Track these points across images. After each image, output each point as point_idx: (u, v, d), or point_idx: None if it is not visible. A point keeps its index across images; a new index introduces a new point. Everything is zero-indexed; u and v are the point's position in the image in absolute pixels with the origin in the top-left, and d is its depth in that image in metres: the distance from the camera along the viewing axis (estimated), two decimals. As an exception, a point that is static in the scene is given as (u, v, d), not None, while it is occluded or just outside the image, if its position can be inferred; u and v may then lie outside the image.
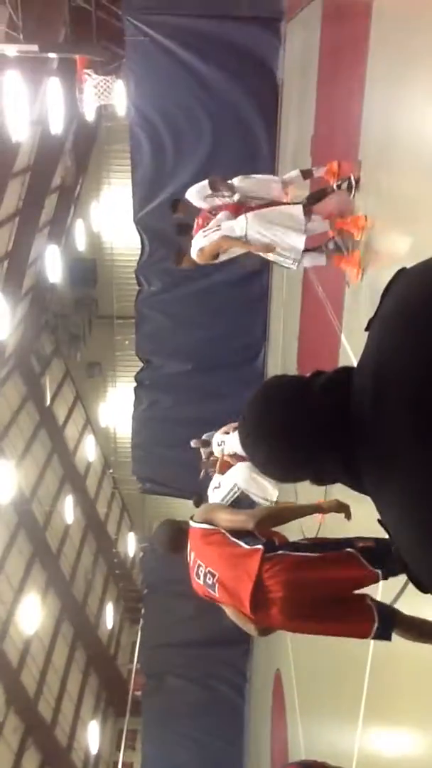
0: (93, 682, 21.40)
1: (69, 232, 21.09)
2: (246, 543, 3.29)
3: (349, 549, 3.22)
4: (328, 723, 6.84)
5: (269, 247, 6.06)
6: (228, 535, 3.34)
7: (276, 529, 3.47)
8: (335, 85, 7.14)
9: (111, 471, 24.80)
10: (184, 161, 11.55)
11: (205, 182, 7.24)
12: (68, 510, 20.76)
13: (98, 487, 24.11)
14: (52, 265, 19.00)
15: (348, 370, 1.16)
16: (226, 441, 9.02)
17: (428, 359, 0.95)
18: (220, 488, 8.48)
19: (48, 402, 20.99)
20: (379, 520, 1.10)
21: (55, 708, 17.79)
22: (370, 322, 1.13)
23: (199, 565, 3.40)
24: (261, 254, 6.27)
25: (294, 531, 3.63)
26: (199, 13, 10.67)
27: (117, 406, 22.89)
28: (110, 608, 23.08)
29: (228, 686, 14.20)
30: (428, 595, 1.07)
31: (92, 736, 19.70)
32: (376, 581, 3.14)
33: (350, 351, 5.73)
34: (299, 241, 5.94)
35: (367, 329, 1.13)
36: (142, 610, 15.31)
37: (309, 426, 1.15)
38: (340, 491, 1.40)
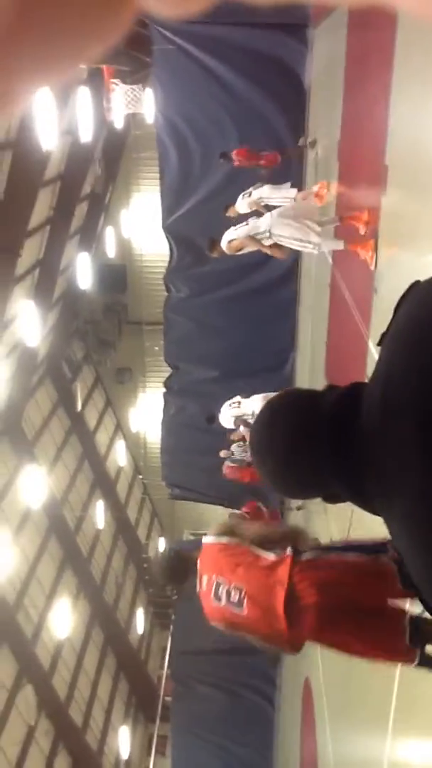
0: (123, 687, 21.45)
1: (99, 239, 21.28)
2: (273, 552, 3.15)
3: (383, 556, 3.03)
4: (357, 731, 6.77)
5: (284, 251, 7.04)
6: (252, 547, 3.20)
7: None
8: (362, 90, 7.11)
9: (141, 476, 24.90)
10: (212, 169, 11.59)
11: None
12: (99, 515, 20.89)
13: (129, 492, 24.22)
14: (83, 272, 19.17)
15: (360, 387, 1.15)
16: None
17: None
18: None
19: (79, 407, 21.16)
20: (391, 543, 1.09)
21: (85, 712, 17.87)
22: (383, 336, 1.11)
23: (218, 585, 3.17)
24: (276, 253, 7.14)
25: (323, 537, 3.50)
26: (225, 20, 10.69)
27: (147, 412, 22.98)
28: (140, 613, 23.13)
29: (257, 694, 14.12)
30: None
31: (123, 741, 19.73)
32: (407, 595, 2.94)
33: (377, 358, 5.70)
34: (316, 232, 6.66)
35: (379, 344, 1.12)
36: (172, 616, 15.34)
37: (314, 448, 1.13)
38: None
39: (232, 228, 7.12)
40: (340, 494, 1.19)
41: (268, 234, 6.77)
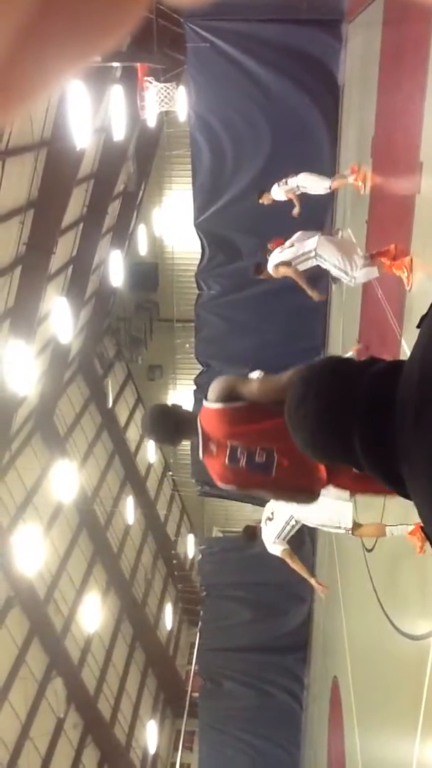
0: (151, 682, 21.59)
1: (131, 237, 21.40)
2: None
3: None
4: (385, 732, 6.72)
5: (321, 294, 7.75)
6: (270, 406, 2.86)
7: None
8: (397, 85, 7.04)
9: (171, 473, 25.01)
10: (244, 167, 11.57)
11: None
12: (129, 511, 21.04)
13: (158, 488, 24.34)
14: (115, 269, 19.29)
15: (400, 366, 1.14)
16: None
17: None
18: (273, 520, 6.65)
19: (110, 404, 21.33)
20: (421, 527, 1.09)
21: (114, 706, 18.03)
22: (422, 319, 1.11)
23: (234, 449, 2.89)
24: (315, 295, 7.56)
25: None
26: (258, 17, 10.66)
27: (178, 409, 23.04)
28: (169, 609, 23.25)
29: (285, 693, 14.10)
30: None
31: (150, 735, 19.87)
32: None
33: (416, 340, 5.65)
34: (358, 263, 6.77)
35: (418, 326, 1.12)
36: (201, 613, 15.39)
37: (349, 420, 1.14)
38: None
39: (277, 250, 7.28)
40: (368, 471, 1.19)
41: (313, 254, 6.94)
